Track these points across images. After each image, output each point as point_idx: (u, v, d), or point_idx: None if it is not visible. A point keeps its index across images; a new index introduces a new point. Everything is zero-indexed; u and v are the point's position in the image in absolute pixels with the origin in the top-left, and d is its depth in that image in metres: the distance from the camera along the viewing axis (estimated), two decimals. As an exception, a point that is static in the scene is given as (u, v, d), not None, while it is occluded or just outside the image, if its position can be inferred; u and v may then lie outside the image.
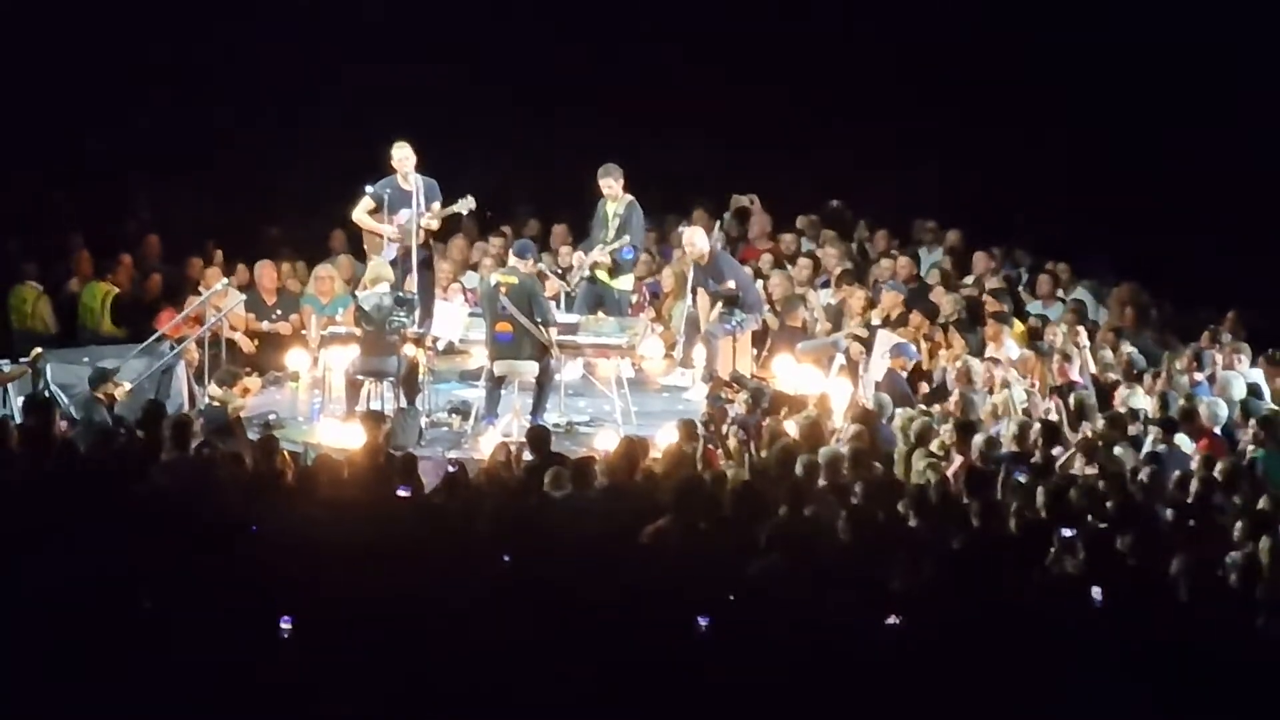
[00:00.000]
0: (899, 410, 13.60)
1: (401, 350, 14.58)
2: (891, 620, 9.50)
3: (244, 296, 16.55)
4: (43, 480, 11.50)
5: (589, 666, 8.95)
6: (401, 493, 11.61)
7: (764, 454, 12.67)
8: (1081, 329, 14.97)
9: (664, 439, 13.21)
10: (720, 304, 15.85)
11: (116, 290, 16.76)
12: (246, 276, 17.08)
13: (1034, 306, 16.76)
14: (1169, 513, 11.25)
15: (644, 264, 17.16)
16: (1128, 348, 14.94)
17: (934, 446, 12.74)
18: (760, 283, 16.84)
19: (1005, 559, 10.28)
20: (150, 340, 15.43)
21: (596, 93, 19.05)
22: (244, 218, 18.48)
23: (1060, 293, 16.94)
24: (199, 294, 16.28)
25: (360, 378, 14.76)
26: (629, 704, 8.80)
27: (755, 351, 16.21)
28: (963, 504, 11.23)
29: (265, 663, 9.02)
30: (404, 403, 14.63)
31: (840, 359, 15.63)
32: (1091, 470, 12.08)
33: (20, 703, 8.73)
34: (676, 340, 16.39)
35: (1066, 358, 14.25)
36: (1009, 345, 15.16)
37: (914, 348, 15.08)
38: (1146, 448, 12.71)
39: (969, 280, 17.15)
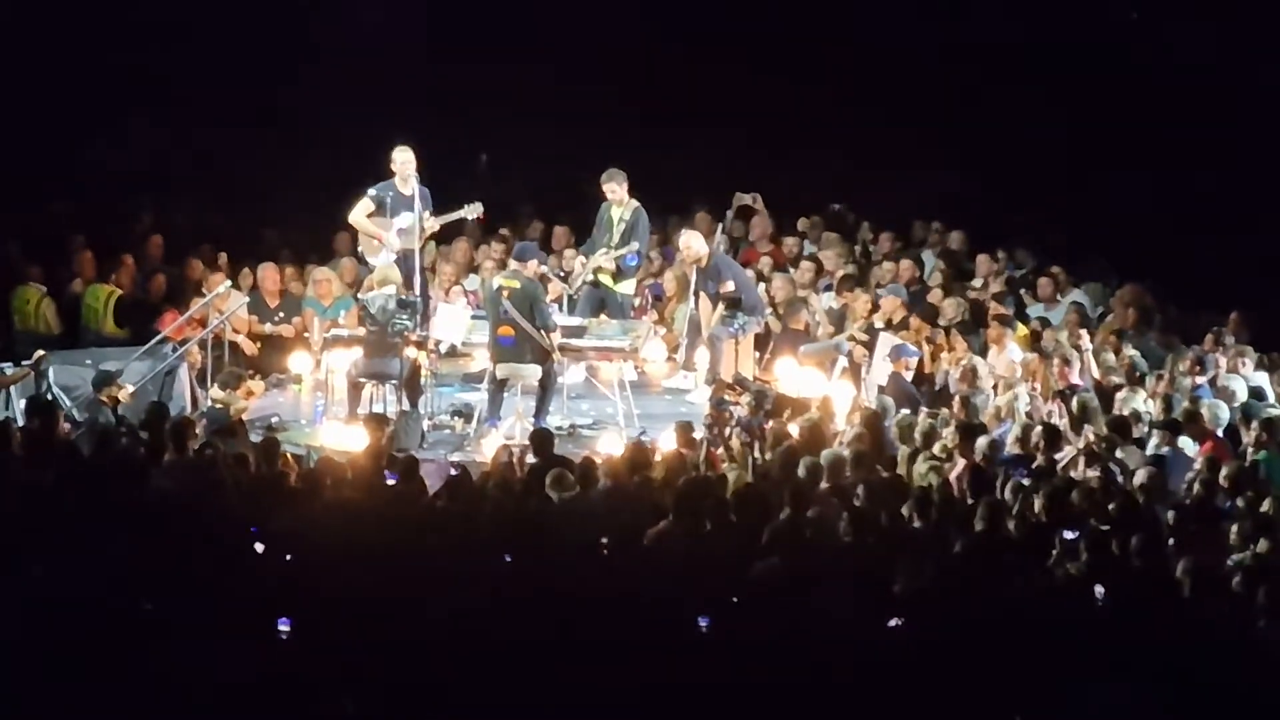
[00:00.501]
0: (900, 413, 13.58)
1: (404, 353, 14.58)
2: (893, 622, 9.50)
3: (246, 299, 16.56)
4: (45, 482, 11.50)
5: (591, 668, 8.95)
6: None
7: (767, 456, 12.67)
8: (1084, 331, 14.97)
9: (665, 442, 13.20)
10: (722, 307, 15.84)
11: (119, 292, 16.75)
12: (250, 279, 17.08)
13: (1035, 309, 16.75)
14: (1171, 515, 11.24)
15: (645, 267, 17.16)
16: (1130, 350, 14.93)
17: (936, 449, 12.73)
18: (762, 285, 16.83)
19: (1007, 561, 10.28)
20: (153, 342, 15.43)
21: (599, 94, 19.05)
22: (246, 221, 18.49)
23: (1060, 295, 16.92)
24: (202, 296, 16.28)
25: (363, 380, 14.76)
26: (630, 705, 8.79)
27: (757, 354, 16.21)
28: (965, 506, 11.23)
29: (266, 664, 9.02)
30: (406, 405, 14.64)
31: (842, 362, 15.63)
32: (1094, 473, 12.06)
33: (22, 703, 8.72)
34: (679, 343, 16.39)
35: (1066, 361, 14.24)
36: (1011, 348, 15.16)
37: (914, 348, 15.07)
38: (1150, 450, 12.70)
39: (977, 283, 17.12)
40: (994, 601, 9.71)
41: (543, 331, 14.51)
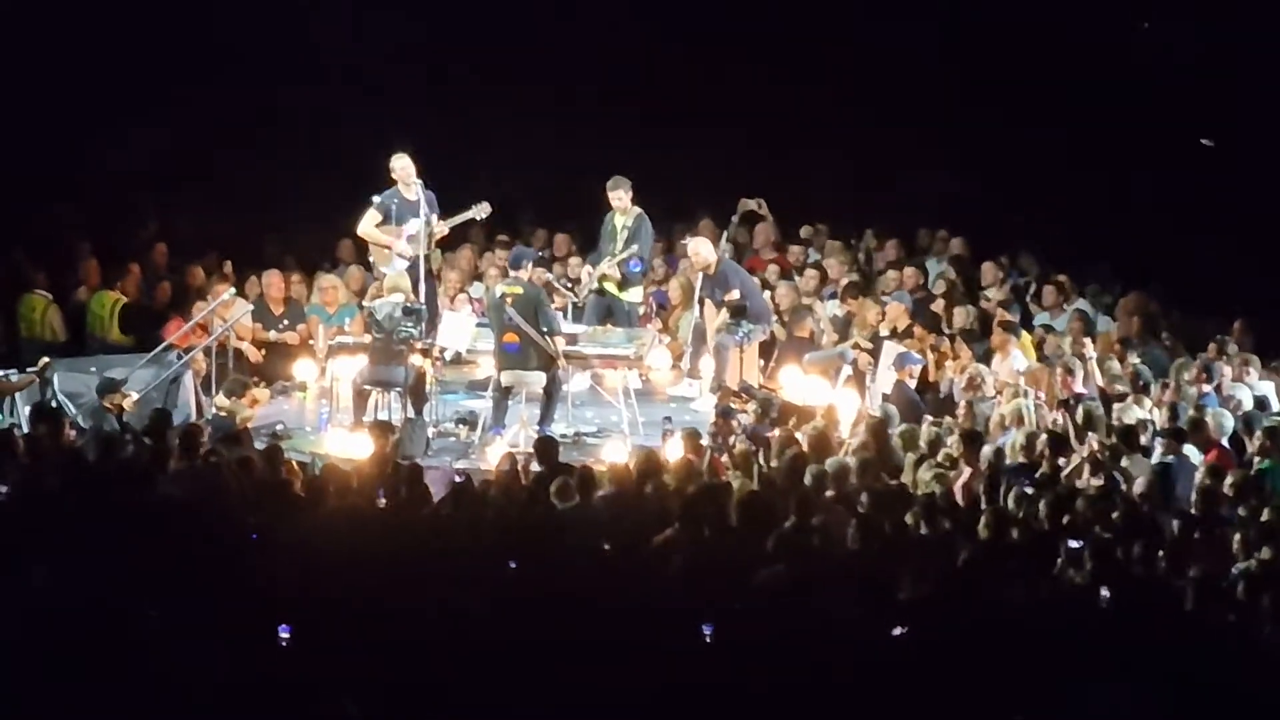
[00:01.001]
0: (903, 424, 13.56)
1: (409, 360, 14.58)
2: (897, 631, 9.50)
3: (251, 306, 16.56)
4: (50, 488, 11.51)
5: (595, 675, 8.94)
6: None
7: (774, 464, 12.67)
8: (1088, 340, 14.97)
9: (672, 450, 13.20)
10: (727, 314, 15.85)
11: (125, 299, 16.78)
12: (256, 287, 17.09)
13: (1041, 317, 16.74)
14: (1175, 523, 11.23)
15: (650, 275, 17.16)
16: (1134, 358, 14.92)
17: (940, 457, 12.72)
18: (767, 293, 16.82)
19: (1012, 570, 10.27)
20: (158, 350, 15.44)
21: (602, 100, 19.06)
22: (251, 228, 18.50)
23: (1065, 303, 16.90)
24: (207, 303, 16.30)
25: (368, 388, 14.76)
26: (634, 711, 8.79)
27: (762, 362, 16.20)
28: (970, 514, 11.22)
29: (269, 670, 9.03)
30: (411, 413, 14.63)
31: (847, 370, 15.62)
32: (1098, 481, 12.05)
33: (25, 707, 8.73)
34: (684, 351, 16.40)
35: (1069, 369, 14.23)
36: (1016, 356, 15.15)
37: (918, 356, 15.07)
38: (1155, 459, 12.69)
39: (991, 293, 17.08)
40: (997, 608, 9.71)
41: (548, 336, 14.51)
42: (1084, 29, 18.09)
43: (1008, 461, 12.57)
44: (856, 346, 15.90)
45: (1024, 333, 15.90)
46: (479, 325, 15.48)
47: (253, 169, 18.65)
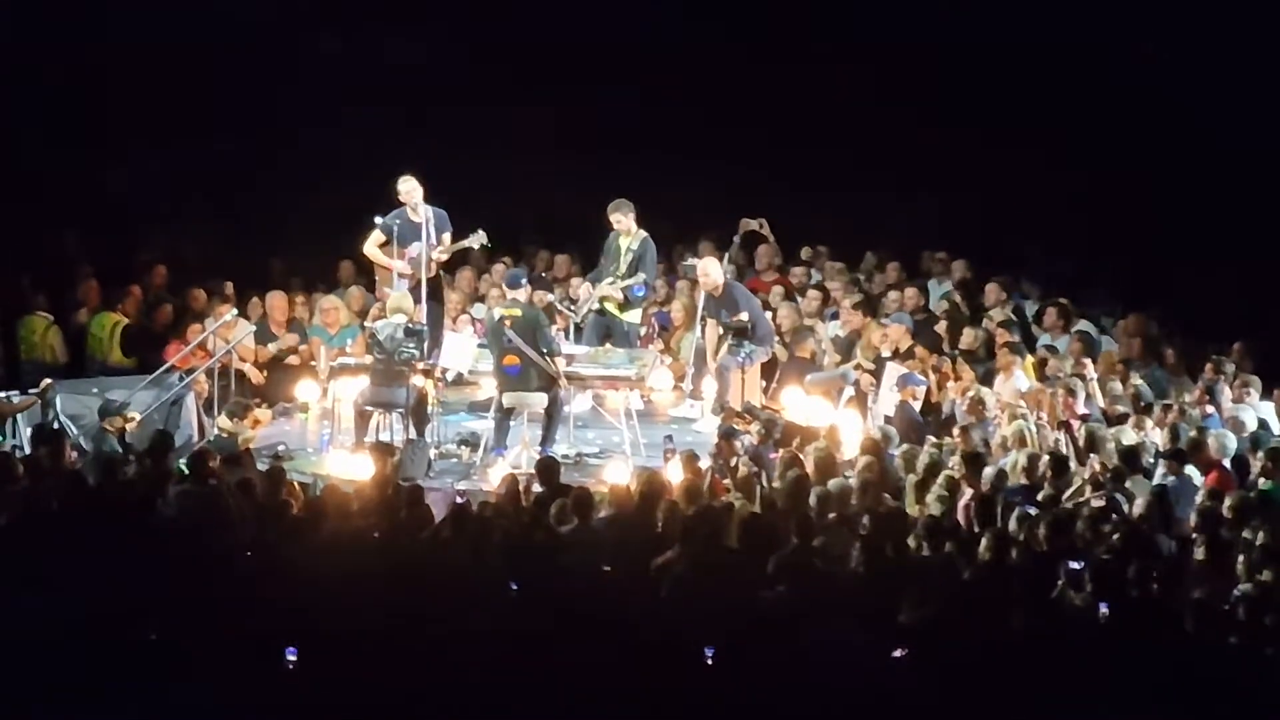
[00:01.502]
0: (904, 445, 13.56)
1: (411, 381, 14.57)
2: (898, 653, 9.49)
3: (253, 327, 16.56)
4: (51, 511, 11.51)
5: (597, 697, 8.94)
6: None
7: (777, 485, 12.66)
8: (1088, 361, 14.97)
9: (673, 471, 13.20)
10: (729, 336, 15.85)
11: (126, 320, 16.79)
12: (259, 308, 17.10)
13: (1043, 338, 16.74)
14: (1172, 545, 11.22)
15: (652, 296, 17.15)
16: (1136, 380, 14.91)
17: (941, 478, 12.71)
18: (768, 314, 16.82)
19: (1013, 591, 10.27)
20: (159, 372, 15.44)
21: (603, 125, 19.08)
22: (253, 250, 18.51)
23: (1068, 326, 16.88)
24: (204, 326, 16.30)
25: (369, 409, 14.75)
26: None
27: (765, 383, 16.20)
28: (972, 536, 11.21)
29: (271, 692, 9.02)
30: (413, 434, 14.62)
31: (849, 391, 15.62)
32: (1099, 503, 12.04)
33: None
34: (686, 372, 16.40)
35: (1070, 392, 14.22)
36: (1019, 377, 15.15)
37: (921, 377, 15.07)
38: (1156, 480, 12.68)
39: (995, 314, 17.06)
40: (1000, 631, 9.70)
41: (548, 357, 14.51)
42: (1086, 53, 18.13)
43: (1010, 483, 12.56)
44: (858, 367, 15.90)
45: (1027, 354, 15.89)
46: (480, 346, 15.49)
47: (255, 190, 18.68)
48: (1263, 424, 14.02)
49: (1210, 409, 14.23)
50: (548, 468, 12.69)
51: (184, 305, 17.24)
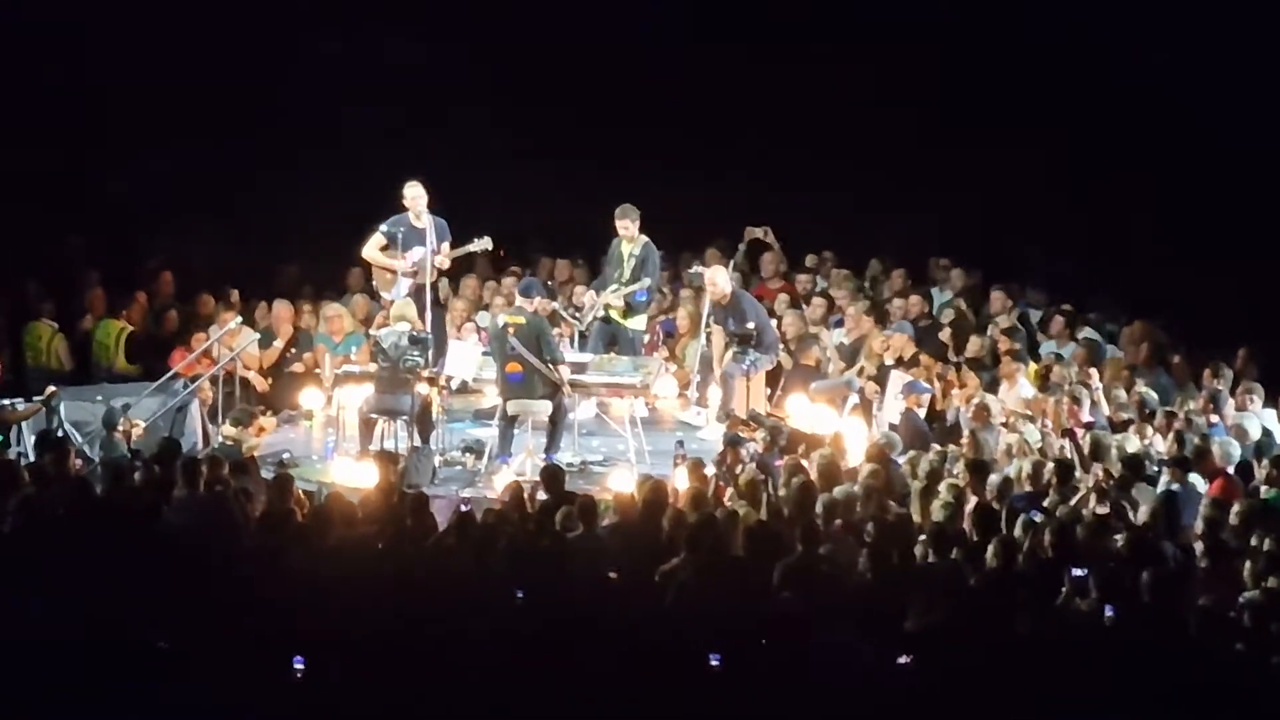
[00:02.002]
0: (909, 452, 13.55)
1: (415, 389, 14.58)
2: (903, 659, 9.49)
3: (258, 335, 16.58)
4: (56, 518, 11.51)
5: (603, 704, 8.94)
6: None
7: (782, 492, 12.65)
8: (1093, 369, 14.96)
9: (681, 477, 13.20)
10: (734, 343, 15.86)
11: (131, 328, 16.81)
12: (266, 316, 17.11)
13: (1048, 346, 16.73)
14: (1177, 552, 11.22)
15: (657, 303, 17.16)
16: (1141, 386, 14.91)
17: (945, 486, 12.70)
18: (773, 321, 16.83)
19: (1019, 598, 10.26)
20: (164, 379, 15.46)
21: (607, 132, 19.08)
22: (259, 257, 18.52)
23: (1074, 334, 16.88)
24: (209, 334, 16.31)
25: (374, 416, 14.76)
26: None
27: (770, 391, 16.20)
28: (977, 543, 11.20)
29: (275, 699, 9.02)
30: (418, 441, 14.63)
31: (854, 398, 15.62)
32: (1104, 510, 12.04)
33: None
34: (690, 379, 16.40)
35: (1075, 399, 14.22)
36: (1023, 384, 15.15)
37: (926, 385, 15.07)
38: (1160, 487, 12.68)
39: (1001, 321, 17.06)
40: (1005, 638, 9.70)
41: (551, 364, 14.52)
42: (1086, 53, 18.13)
43: (1015, 490, 12.56)
44: (863, 374, 15.90)
45: (1031, 362, 15.89)
46: (485, 354, 15.49)
47: (260, 196, 18.69)
48: (1266, 432, 14.01)
49: (1215, 417, 14.23)
50: (552, 475, 12.70)
51: (190, 312, 17.25)
